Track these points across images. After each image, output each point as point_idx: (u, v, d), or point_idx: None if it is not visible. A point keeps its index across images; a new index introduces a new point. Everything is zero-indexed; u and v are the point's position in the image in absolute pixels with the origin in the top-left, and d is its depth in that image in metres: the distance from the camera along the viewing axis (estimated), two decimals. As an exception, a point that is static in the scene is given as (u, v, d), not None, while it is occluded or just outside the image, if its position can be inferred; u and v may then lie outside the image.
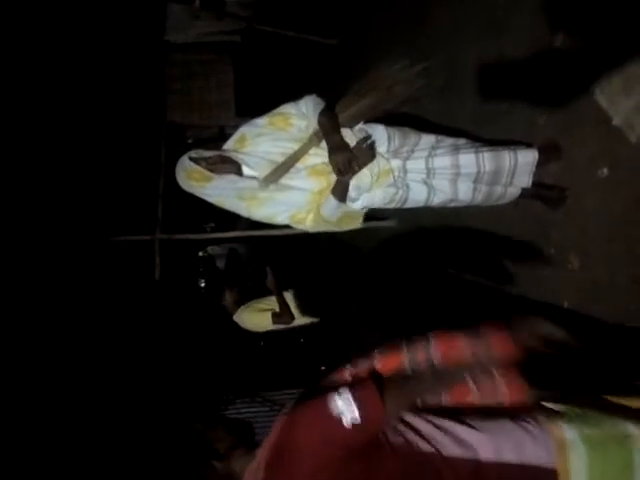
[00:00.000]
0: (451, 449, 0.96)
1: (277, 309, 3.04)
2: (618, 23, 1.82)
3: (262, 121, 1.85)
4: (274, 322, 3.03)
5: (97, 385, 3.97)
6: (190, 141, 6.76)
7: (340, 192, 1.82)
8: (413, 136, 1.95)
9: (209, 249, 7.72)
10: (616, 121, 1.87)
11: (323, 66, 4.65)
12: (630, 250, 1.79)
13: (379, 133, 1.90)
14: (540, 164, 2.03)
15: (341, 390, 0.95)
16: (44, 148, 3.97)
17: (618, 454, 0.94)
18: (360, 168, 1.78)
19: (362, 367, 1.07)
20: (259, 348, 6.26)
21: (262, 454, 1.00)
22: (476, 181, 1.96)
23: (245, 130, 1.86)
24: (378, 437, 0.95)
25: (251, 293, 3.32)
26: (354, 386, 0.98)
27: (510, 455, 0.95)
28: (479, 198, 2.02)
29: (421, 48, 3.19)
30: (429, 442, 0.96)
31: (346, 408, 0.92)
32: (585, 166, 1.95)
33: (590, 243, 1.97)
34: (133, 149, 4.84)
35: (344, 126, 1.86)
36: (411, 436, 0.98)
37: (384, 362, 1.08)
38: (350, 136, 1.86)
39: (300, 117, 1.83)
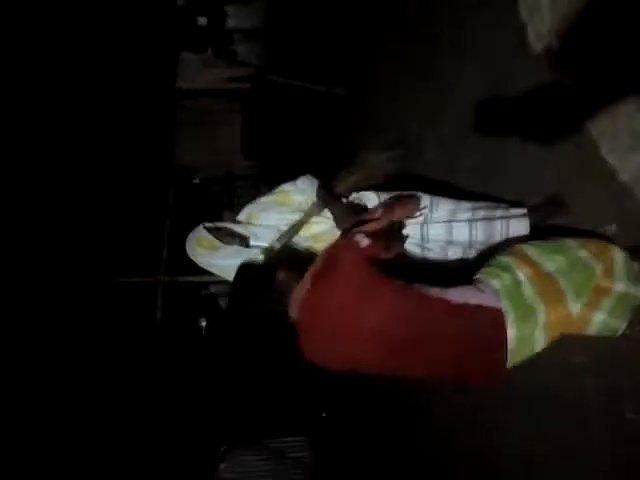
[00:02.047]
0: (429, 294, 1.47)
1: None
2: (623, 79, 1.86)
3: (265, 198, 2.07)
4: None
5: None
6: (197, 181, 6.84)
7: None
8: None
9: (212, 288, 7.66)
10: (623, 177, 1.88)
11: (331, 115, 4.76)
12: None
13: (371, 200, 2.06)
14: (545, 218, 2.05)
15: (358, 232, 1.59)
16: (52, 184, 4.01)
17: (516, 288, 1.49)
18: None
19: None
20: (259, 391, 6.13)
21: (308, 276, 1.52)
22: (467, 248, 2.03)
23: (251, 207, 2.08)
24: (386, 277, 1.49)
25: None
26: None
27: (471, 300, 1.44)
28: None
29: (428, 99, 3.26)
30: (416, 289, 1.49)
31: (361, 239, 1.53)
32: (592, 222, 1.94)
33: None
34: (140, 190, 4.90)
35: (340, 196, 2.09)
36: (406, 285, 1.50)
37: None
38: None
39: (299, 193, 2.04)
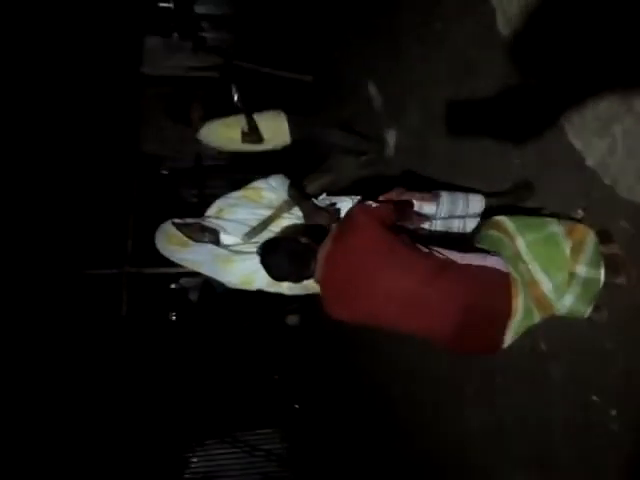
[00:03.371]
0: (439, 254, 1.57)
1: (246, 128, 2.97)
2: (590, 65, 1.86)
3: (236, 194, 2.11)
4: (243, 140, 2.95)
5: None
6: (165, 172, 6.67)
7: None
8: None
9: (182, 281, 7.54)
10: (590, 162, 1.88)
11: (299, 102, 4.70)
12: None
13: (343, 201, 2.13)
14: (514, 203, 2.04)
15: (369, 201, 1.75)
16: (15, 174, 3.84)
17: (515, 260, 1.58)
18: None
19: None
20: (231, 385, 6.07)
21: (329, 237, 1.67)
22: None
23: (221, 202, 2.10)
24: (397, 236, 1.61)
25: (219, 111, 3.16)
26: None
27: (475, 262, 1.55)
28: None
29: (394, 89, 3.23)
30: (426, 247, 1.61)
31: (372, 203, 1.72)
32: (560, 206, 1.94)
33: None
34: (105, 179, 4.73)
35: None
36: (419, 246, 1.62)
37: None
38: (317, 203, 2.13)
39: (270, 190, 2.10)
